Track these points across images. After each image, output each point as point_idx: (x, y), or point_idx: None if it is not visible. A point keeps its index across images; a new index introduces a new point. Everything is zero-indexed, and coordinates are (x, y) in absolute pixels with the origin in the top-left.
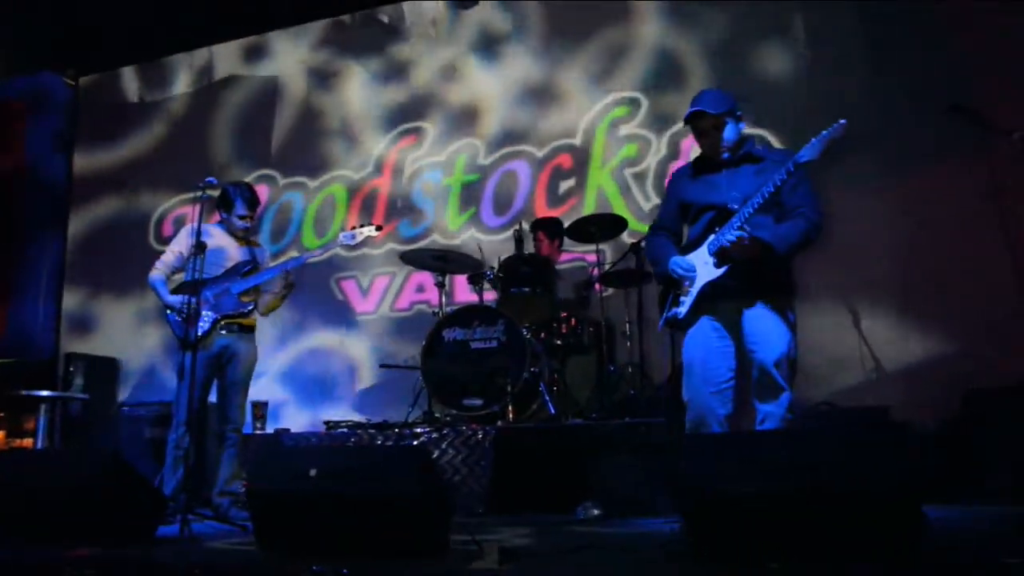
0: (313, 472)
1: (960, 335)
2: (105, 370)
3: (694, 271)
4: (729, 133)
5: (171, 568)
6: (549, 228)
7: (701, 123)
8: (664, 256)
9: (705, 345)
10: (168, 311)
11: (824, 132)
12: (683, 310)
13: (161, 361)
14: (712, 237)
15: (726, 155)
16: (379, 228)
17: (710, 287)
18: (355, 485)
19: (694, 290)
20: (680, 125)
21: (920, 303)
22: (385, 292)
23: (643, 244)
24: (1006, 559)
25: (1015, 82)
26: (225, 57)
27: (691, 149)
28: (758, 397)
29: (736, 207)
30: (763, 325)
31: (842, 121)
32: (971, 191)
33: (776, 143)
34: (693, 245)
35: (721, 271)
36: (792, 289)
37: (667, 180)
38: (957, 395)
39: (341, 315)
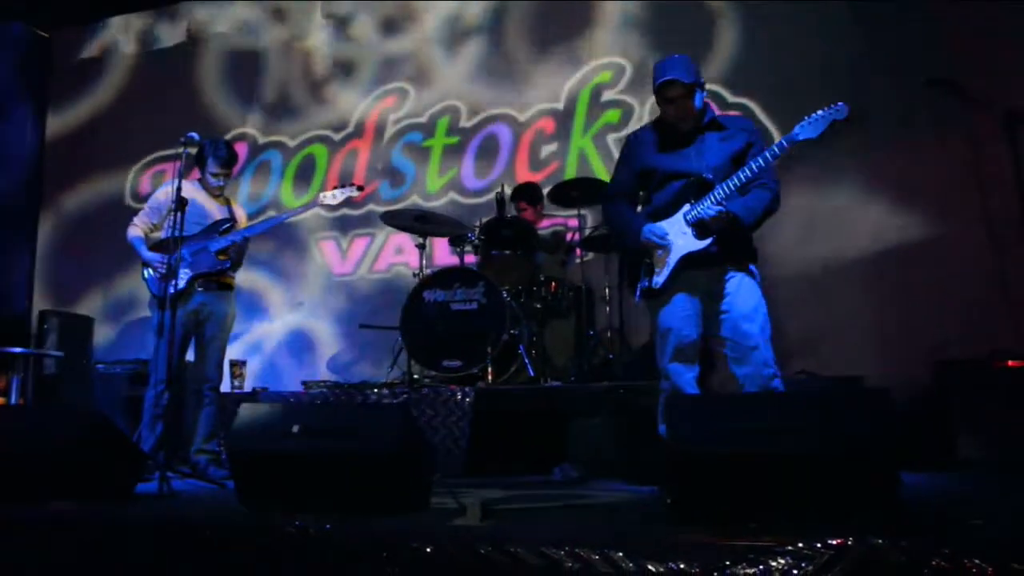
0: (295, 429)
1: (932, 307)
2: (79, 327)
3: (669, 240)
4: (697, 102)
5: (152, 525)
6: (529, 196)
7: (671, 91)
8: (632, 224)
9: (680, 314)
10: (145, 268)
11: (822, 112)
12: (660, 279)
13: (136, 319)
14: (687, 207)
15: (692, 123)
16: (360, 188)
17: (690, 257)
18: (337, 442)
19: (671, 260)
20: None
21: (893, 275)
22: (364, 254)
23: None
24: (973, 520)
25: (995, 55)
26: (204, 12)
27: None
28: (734, 362)
29: (711, 177)
30: (739, 286)
31: (840, 104)
32: (947, 164)
33: (759, 113)
34: (663, 213)
35: (704, 244)
36: (756, 255)
37: (624, 145)
38: (929, 366)
39: (319, 276)
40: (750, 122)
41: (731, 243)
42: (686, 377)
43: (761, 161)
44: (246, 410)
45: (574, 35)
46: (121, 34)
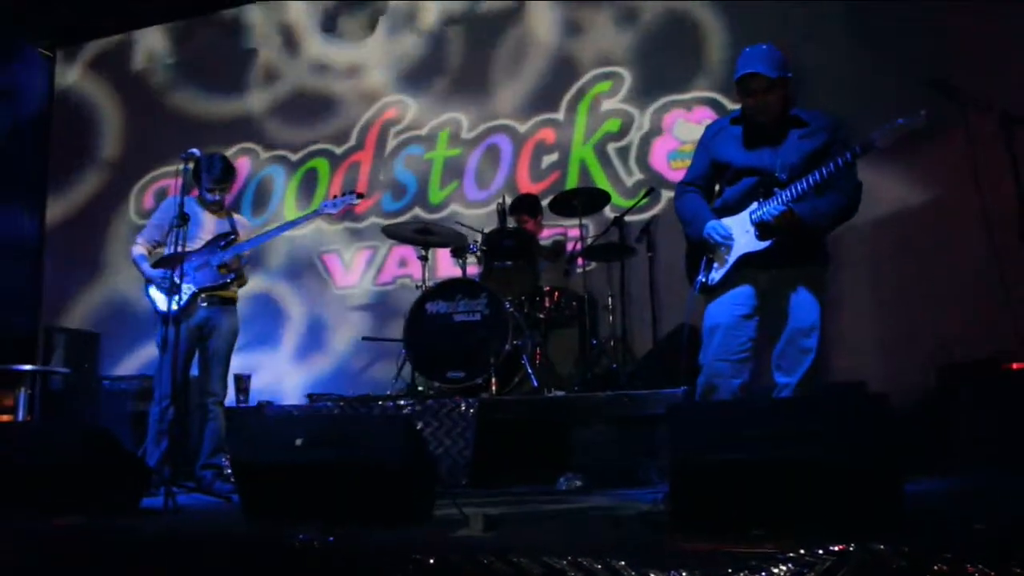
0: (299, 442)
1: (934, 310)
2: (86, 344)
3: (732, 239)
4: (779, 97)
5: (157, 539)
6: (529, 207)
7: (752, 83)
8: (699, 217)
9: (731, 312)
10: (149, 285)
11: (901, 120)
12: (717, 276)
13: (143, 335)
14: (755, 206)
15: (772, 118)
16: (361, 196)
17: (751, 257)
18: (341, 454)
19: (731, 259)
20: (664, 100)
21: (894, 278)
22: (367, 266)
23: (674, 199)
24: (976, 524)
25: (992, 55)
26: (203, 28)
27: (674, 125)
28: (779, 368)
29: (784, 177)
30: (800, 294)
31: (922, 112)
32: (945, 165)
33: None
34: (731, 209)
35: (764, 245)
36: (826, 260)
37: (703, 133)
38: (932, 369)
39: (323, 289)
40: (834, 119)
41: (797, 245)
42: (731, 383)
43: (832, 167)
44: (250, 422)
45: (573, 45)
46: (123, 51)
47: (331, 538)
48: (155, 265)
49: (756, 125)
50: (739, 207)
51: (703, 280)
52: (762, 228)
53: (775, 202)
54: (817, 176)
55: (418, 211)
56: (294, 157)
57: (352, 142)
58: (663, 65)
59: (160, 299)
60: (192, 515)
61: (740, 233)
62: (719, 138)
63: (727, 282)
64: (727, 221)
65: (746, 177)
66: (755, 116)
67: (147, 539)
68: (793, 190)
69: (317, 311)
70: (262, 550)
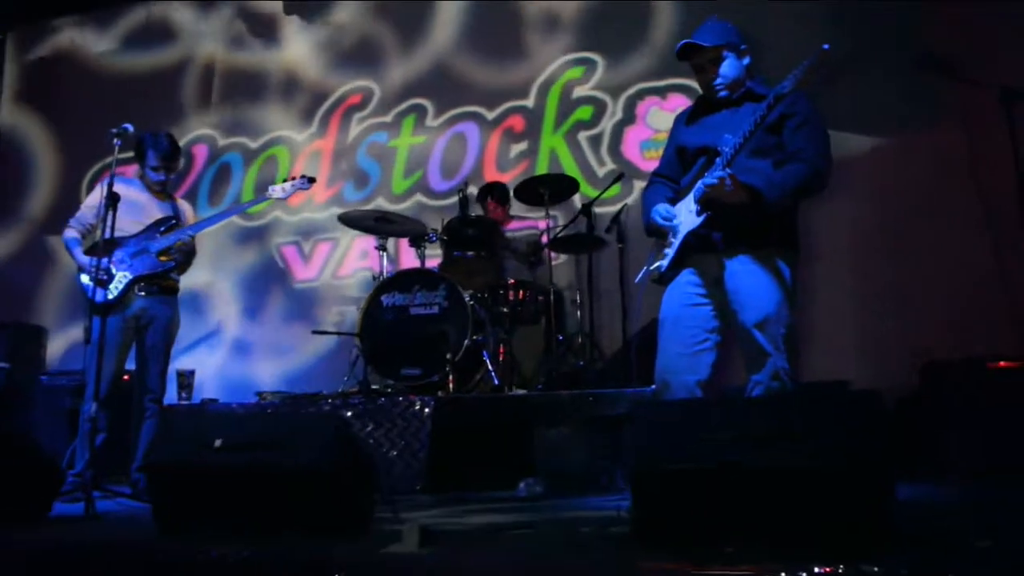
0: (218, 443)
1: (920, 306)
2: (30, 338)
3: (676, 220)
4: (728, 69)
5: (56, 551)
6: (498, 193)
7: (696, 58)
8: (651, 205)
9: (681, 302)
10: (81, 273)
11: (806, 62)
12: (665, 263)
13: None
14: (699, 183)
15: (724, 93)
16: (312, 181)
17: (693, 238)
18: (264, 456)
19: (676, 241)
20: (636, 88)
21: (879, 272)
22: (328, 259)
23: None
24: (979, 542)
25: (989, 34)
26: (162, 11)
27: (647, 112)
28: (746, 366)
29: (727, 149)
30: (747, 282)
31: (824, 46)
32: (937, 154)
33: None
34: (683, 192)
35: (700, 219)
36: (790, 242)
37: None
38: (917, 368)
39: (281, 282)
40: (795, 94)
41: (749, 224)
42: (684, 379)
43: (751, 123)
44: (169, 422)
45: (540, 29)
46: (77, 34)
47: (246, 553)
48: (88, 251)
49: (711, 104)
50: (689, 189)
51: (652, 269)
52: (701, 202)
53: (712, 172)
54: (739, 136)
55: (381, 201)
56: (253, 144)
57: (313, 129)
58: (637, 52)
59: (93, 288)
60: (108, 524)
61: (684, 213)
62: (678, 124)
63: (676, 267)
64: (678, 205)
65: (699, 157)
66: (710, 94)
67: (46, 551)
68: (725, 155)
69: (275, 305)
70: (171, 564)
